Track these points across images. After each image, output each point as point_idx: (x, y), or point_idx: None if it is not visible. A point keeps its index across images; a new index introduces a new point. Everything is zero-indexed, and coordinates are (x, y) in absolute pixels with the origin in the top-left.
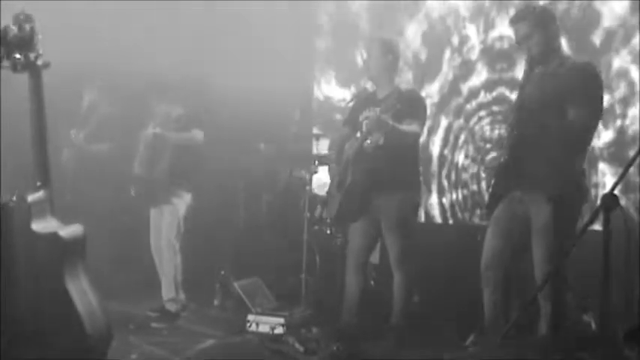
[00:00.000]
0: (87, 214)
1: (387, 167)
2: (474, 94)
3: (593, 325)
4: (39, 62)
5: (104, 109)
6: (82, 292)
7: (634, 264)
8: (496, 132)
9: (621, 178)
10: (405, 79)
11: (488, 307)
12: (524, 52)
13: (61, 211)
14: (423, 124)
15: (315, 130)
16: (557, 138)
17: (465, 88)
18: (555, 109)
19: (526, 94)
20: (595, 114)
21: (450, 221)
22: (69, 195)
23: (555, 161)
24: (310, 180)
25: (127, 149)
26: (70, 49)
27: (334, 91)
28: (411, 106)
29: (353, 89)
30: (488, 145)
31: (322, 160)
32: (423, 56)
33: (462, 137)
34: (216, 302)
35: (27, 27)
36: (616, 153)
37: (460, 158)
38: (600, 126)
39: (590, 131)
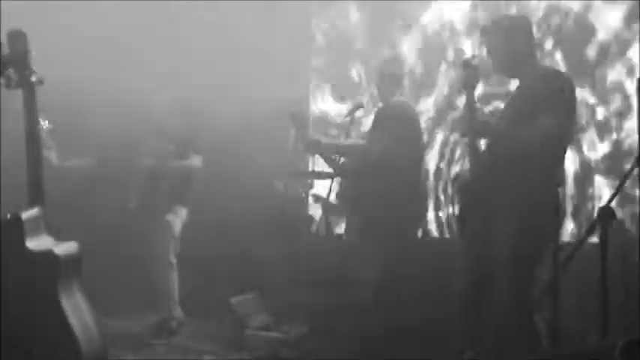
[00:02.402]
0: (84, 230)
1: None
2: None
3: (592, 339)
4: (33, 79)
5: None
6: (77, 309)
7: (632, 275)
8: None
9: (618, 191)
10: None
11: (461, 327)
12: (493, 63)
13: (55, 226)
14: None
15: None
16: (523, 147)
17: (460, 102)
18: (524, 120)
19: (501, 113)
20: (564, 123)
21: (447, 235)
22: (63, 210)
23: (522, 172)
24: (307, 195)
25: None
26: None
27: (330, 106)
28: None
29: (349, 104)
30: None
31: (319, 175)
32: (418, 70)
33: (458, 151)
34: (213, 319)
35: (20, 44)
36: (612, 166)
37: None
38: (596, 138)
39: (560, 141)
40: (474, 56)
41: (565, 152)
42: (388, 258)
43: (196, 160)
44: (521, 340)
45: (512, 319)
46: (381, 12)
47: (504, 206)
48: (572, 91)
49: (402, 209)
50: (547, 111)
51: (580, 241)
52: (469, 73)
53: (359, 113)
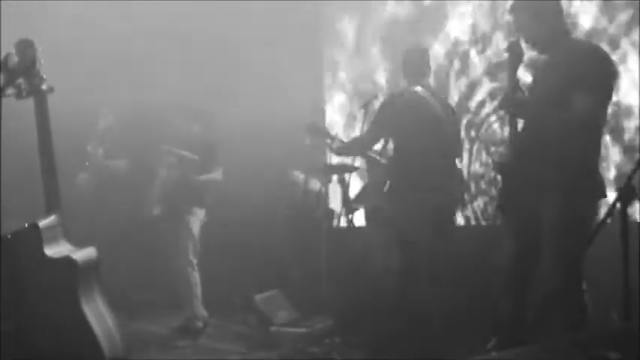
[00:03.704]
0: (107, 234)
1: None
2: (481, 105)
3: (617, 321)
4: (43, 87)
5: (118, 131)
6: (98, 314)
7: None
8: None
9: (637, 169)
10: None
11: (510, 314)
12: (524, 40)
13: (79, 232)
14: None
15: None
16: (563, 130)
17: (472, 104)
18: (561, 99)
19: (532, 86)
20: (601, 100)
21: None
22: (87, 215)
23: (564, 154)
24: (327, 190)
25: (143, 167)
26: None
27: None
28: None
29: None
30: (500, 148)
31: (336, 169)
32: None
33: (475, 147)
34: (238, 317)
35: (29, 53)
36: None
37: (477, 167)
38: None
39: (597, 119)
40: (518, 39)
41: (601, 128)
42: (407, 249)
43: (218, 173)
44: (568, 313)
45: (561, 295)
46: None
47: (548, 188)
48: (612, 70)
49: (413, 198)
50: (587, 92)
51: (601, 221)
52: (512, 55)
53: (375, 104)
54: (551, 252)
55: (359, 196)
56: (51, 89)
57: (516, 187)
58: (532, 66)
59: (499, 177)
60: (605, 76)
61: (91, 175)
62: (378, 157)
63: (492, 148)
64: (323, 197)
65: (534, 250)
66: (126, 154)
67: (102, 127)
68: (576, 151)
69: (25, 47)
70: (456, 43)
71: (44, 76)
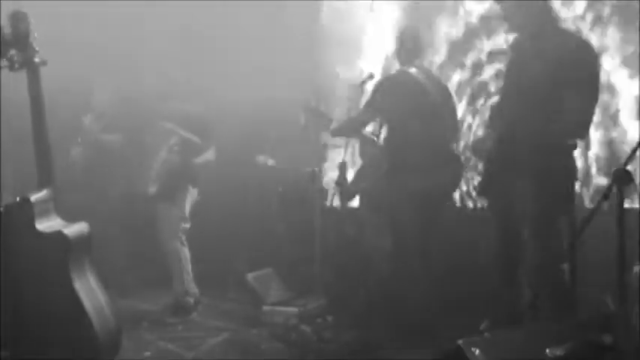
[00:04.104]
0: (99, 211)
1: None
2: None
3: (611, 305)
4: (36, 60)
5: (117, 105)
6: (89, 289)
7: None
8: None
9: (634, 153)
10: None
11: (503, 293)
12: (511, 28)
13: (72, 208)
14: None
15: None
16: (552, 120)
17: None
18: (549, 95)
19: (515, 71)
20: (594, 95)
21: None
22: (80, 190)
23: (548, 142)
24: (321, 169)
25: (138, 143)
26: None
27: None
28: None
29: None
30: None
31: (332, 148)
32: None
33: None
34: (229, 295)
35: (22, 25)
36: None
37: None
38: None
39: (588, 113)
40: None
41: (590, 121)
42: (397, 230)
43: (211, 152)
44: (553, 289)
45: (546, 269)
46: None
47: (525, 170)
48: (598, 65)
49: (403, 179)
50: (583, 95)
51: (596, 205)
52: None
53: (370, 84)
54: (531, 232)
55: (356, 177)
56: (44, 62)
57: (497, 170)
58: (513, 47)
59: (480, 161)
60: (597, 76)
61: (85, 150)
62: (374, 138)
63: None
64: (317, 176)
65: (519, 231)
66: (121, 129)
67: (98, 99)
68: (564, 140)
69: (19, 19)
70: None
71: (37, 49)
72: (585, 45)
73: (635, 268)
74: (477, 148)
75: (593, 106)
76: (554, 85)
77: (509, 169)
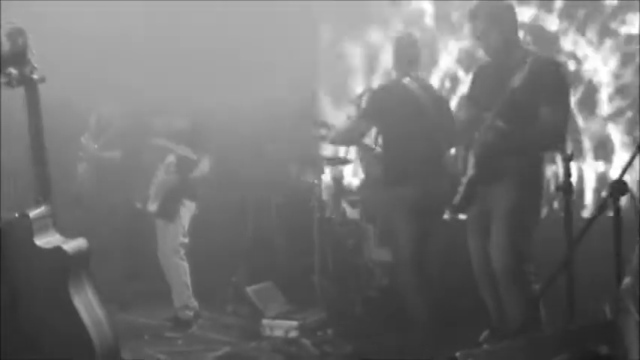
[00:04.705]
0: (99, 226)
1: None
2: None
3: (609, 315)
4: (34, 76)
5: (117, 121)
6: (88, 304)
7: None
8: None
9: (629, 164)
10: None
11: (492, 310)
12: (483, 47)
13: (72, 224)
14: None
15: (323, 132)
16: (528, 135)
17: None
18: (525, 111)
19: (484, 89)
20: (567, 109)
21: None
22: (81, 206)
23: (524, 156)
24: (320, 181)
25: (136, 159)
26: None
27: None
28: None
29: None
30: None
31: (330, 161)
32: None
33: None
34: (229, 309)
35: (20, 41)
36: None
37: None
38: None
39: (564, 126)
40: None
41: (565, 134)
42: (390, 241)
43: (205, 163)
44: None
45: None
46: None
47: (501, 176)
48: (568, 81)
49: (397, 189)
50: (555, 104)
51: (593, 216)
52: None
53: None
54: (498, 232)
55: (360, 188)
56: (42, 79)
57: (474, 187)
58: (482, 70)
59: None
60: (568, 87)
61: (89, 167)
62: (373, 146)
63: None
64: (316, 189)
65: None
66: (120, 145)
67: (96, 119)
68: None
69: (16, 35)
70: None
71: (35, 65)
72: (553, 62)
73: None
74: (450, 165)
75: (566, 118)
76: (531, 103)
77: (486, 182)
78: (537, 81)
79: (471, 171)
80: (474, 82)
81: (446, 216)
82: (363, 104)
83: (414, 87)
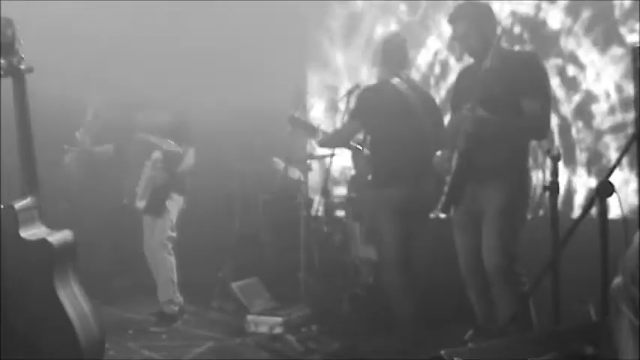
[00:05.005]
0: (86, 219)
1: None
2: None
3: (594, 316)
4: (22, 67)
5: (103, 113)
6: (73, 297)
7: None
8: None
9: (616, 166)
10: None
11: (479, 308)
12: (463, 48)
13: (59, 216)
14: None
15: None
16: (510, 123)
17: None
18: (507, 105)
19: (465, 91)
20: (549, 100)
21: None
22: (68, 200)
23: (510, 151)
24: (306, 178)
25: (126, 154)
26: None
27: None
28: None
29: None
30: None
31: (317, 158)
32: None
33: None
34: (214, 304)
35: (8, 32)
36: None
37: None
38: None
39: (548, 114)
40: None
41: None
42: (378, 239)
43: (190, 156)
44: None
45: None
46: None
47: (492, 176)
48: (547, 73)
49: (384, 190)
50: (538, 95)
51: (579, 216)
52: None
53: (355, 94)
54: (492, 240)
55: (349, 187)
56: (30, 69)
57: (464, 183)
58: (464, 72)
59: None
60: (548, 79)
61: (77, 160)
62: (360, 147)
63: None
64: (302, 186)
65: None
66: (109, 139)
67: (93, 114)
68: (524, 148)
69: (4, 26)
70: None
71: (23, 56)
72: (532, 55)
73: (617, 280)
74: (436, 164)
75: (548, 107)
76: (511, 95)
77: (472, 178)
78: (516, 73)
79: (455, 166)
80: (457, 84)
81: (433, 215)
82: (352, 104)
83: (403, 87)
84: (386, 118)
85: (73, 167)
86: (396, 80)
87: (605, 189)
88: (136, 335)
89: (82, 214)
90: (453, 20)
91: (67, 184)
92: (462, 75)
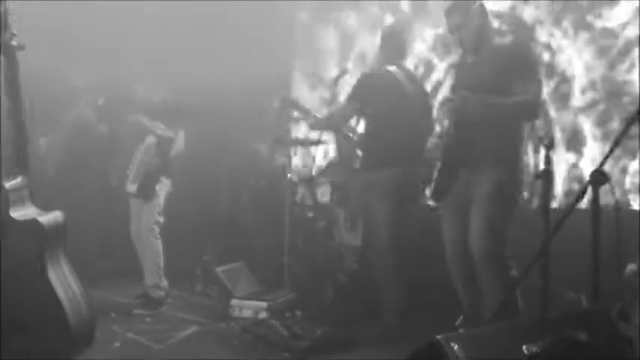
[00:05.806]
0: (73, 201)
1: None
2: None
3: (585, 304)
4: (13, 42)
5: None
6: (63, 278)
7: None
8: None
9: (609, 155)
10: None
11: (465, 299)
12: (456, 41)
13: (45, 199)
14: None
15: (295, 114)
16: (505, 116)
17: None
18: (499, 90)
19: (460, 83)
20: (539, 83)
21: None
22: (54, 181)
23: (502, 137)
24: (290, 164)
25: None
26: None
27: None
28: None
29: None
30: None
31: (302, 143)
32: None
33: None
34: (198, 288)
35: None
36: None
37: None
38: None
39: (540, 101)
40: None
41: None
42: (370, 224)
43: (180, 140)
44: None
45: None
46: None
47: (483, 163)
48: (537, 59)
49: (380, 174)
50: (528, 80)
51: (571, 205)
52: None
53: (345, 79)
54: (480, 223)
55: (325, 170)
56: (21, 46)
57: (455, 170)
58: (456, 67)
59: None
60: (538, 65)
61: (63, 138)
62: (350, 134)
63: None
64: (287, 170)
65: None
66: (104, 119)
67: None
68: (517, 133)
69: None
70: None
71: (15, 32)
72: (524, 45)
73: (631, 267)
74: (429, 153)
75: (538, 88)
76: (502, 82)
77: (464, 164)
78: (507, 58)
79: (443, 149)
80: (456, 79)
81: (425, 202)
82: (350, 89)
83: (401, 76)
84: (383, 103)
85: (53, 147)
86: (393, 68)
87: (598, 178)
88: (121, 318)
89: (69, 196)
90: (449, 13)
91: (43, 167)
92: (458, 68)
